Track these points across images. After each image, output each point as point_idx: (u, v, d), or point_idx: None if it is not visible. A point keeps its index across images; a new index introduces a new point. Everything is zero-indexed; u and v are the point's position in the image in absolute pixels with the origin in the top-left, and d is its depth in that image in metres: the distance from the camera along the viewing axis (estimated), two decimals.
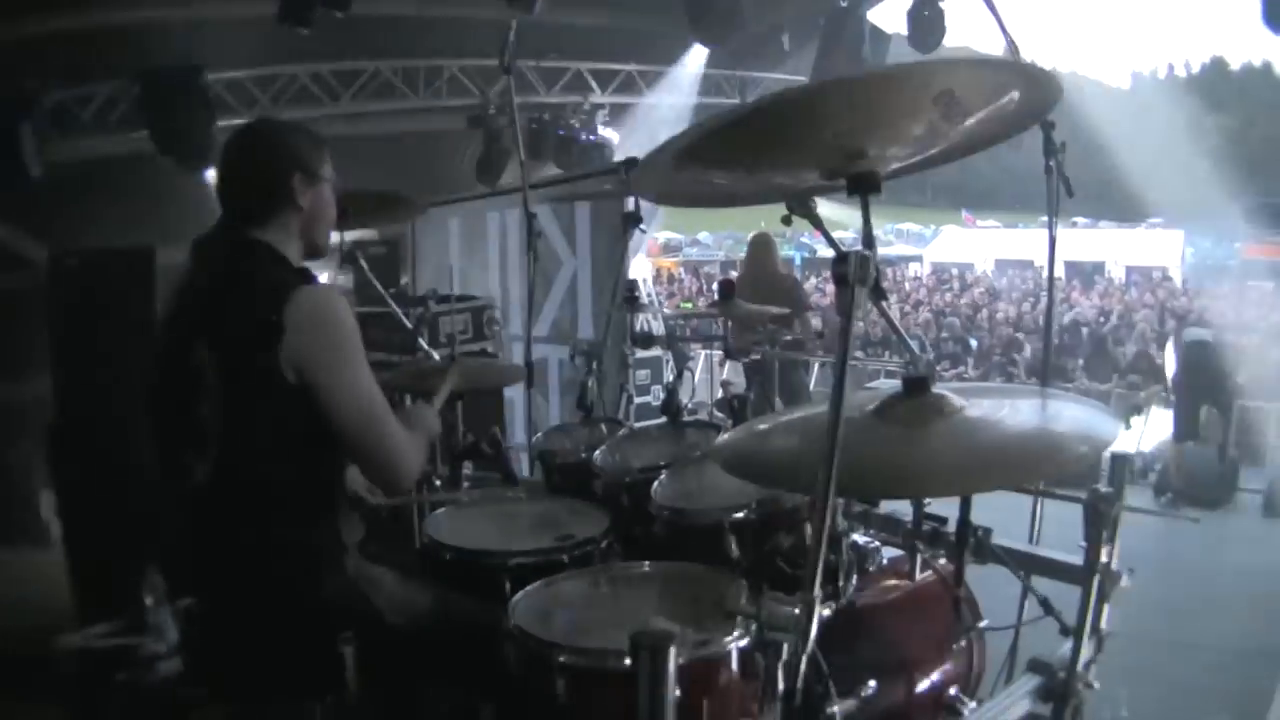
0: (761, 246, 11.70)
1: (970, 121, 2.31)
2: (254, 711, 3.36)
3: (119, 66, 11.56)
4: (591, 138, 14.64)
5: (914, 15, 12.82)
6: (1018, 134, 2.57)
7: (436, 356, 5.74)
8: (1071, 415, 2.67)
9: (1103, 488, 2.94)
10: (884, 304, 2.48)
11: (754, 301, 7.58)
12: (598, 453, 4.46)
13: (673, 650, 2.01)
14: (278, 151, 3.55)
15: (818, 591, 2.08)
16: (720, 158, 2.35)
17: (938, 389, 2.61)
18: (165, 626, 5.15)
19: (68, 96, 11.50)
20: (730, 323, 5.93)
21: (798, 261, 39.92)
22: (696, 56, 14.82)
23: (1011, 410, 2.64)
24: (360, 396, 3.34)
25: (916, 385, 2.59)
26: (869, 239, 2.21)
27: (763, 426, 3.19)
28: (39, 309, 7.48)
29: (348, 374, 3.31)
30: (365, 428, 3.36)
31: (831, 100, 2.13)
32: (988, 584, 3.69)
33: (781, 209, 2.65)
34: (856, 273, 2.13)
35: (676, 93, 15.08)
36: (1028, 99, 2.31)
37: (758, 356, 5.98)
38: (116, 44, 11.06)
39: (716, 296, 5.63)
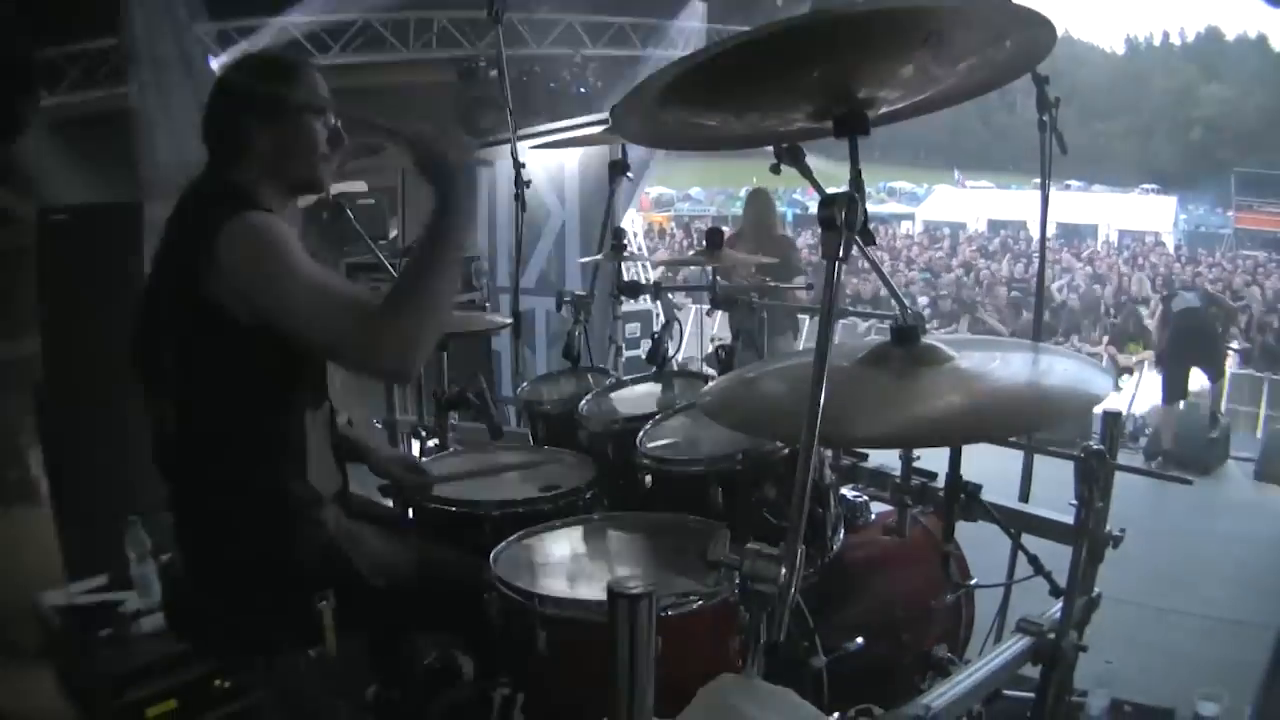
0: (761, 201, 11.48)
1: (961, 65, 2.26)
2: (235, 667, 3.33)
3: (107, 23, 11.52)
4: (582, 90, 14.56)
5: None
6: (1010, 81, 2.51)
7: None
8: (1063, 369, 2.63)
9: (1095, 444, 2.91)
10: (872, 250, 2.44)
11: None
12: (583, 403, 4.43)
13: (651, 602, 1.97)
14: (230, 95, 3.49)
15: (800, 543, 2.05)
16: (706, 97, 2.30)
17: (928, 339, 2.57)
18: (149, 582, 5.14)
19: (57, 54, 11.47)
20: (716, 272, 5.90)
21: (789, 218, 39.91)
22: (694, 11, 14.62)
23: (1002, 363, 2.60)
24: (302, 295, 3.05)
25: (905, 335, 2.54)
26: (857, 181, 2.16)
27: (749, 375, 3.15)
28: (28, 265, 7.44)
29: (284, 282, 3.06)
30: (323, 322, 3.05)
31: (817, 36, 2.08)
32: (978, 542, 3.67)
33: (772, 162, 2.61)
34: (843, 215, 2.09)
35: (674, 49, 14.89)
36: (1020, 44, 2.26)
37: (749, 302, 5.92)
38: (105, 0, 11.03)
39: (704, 245, 5.58)
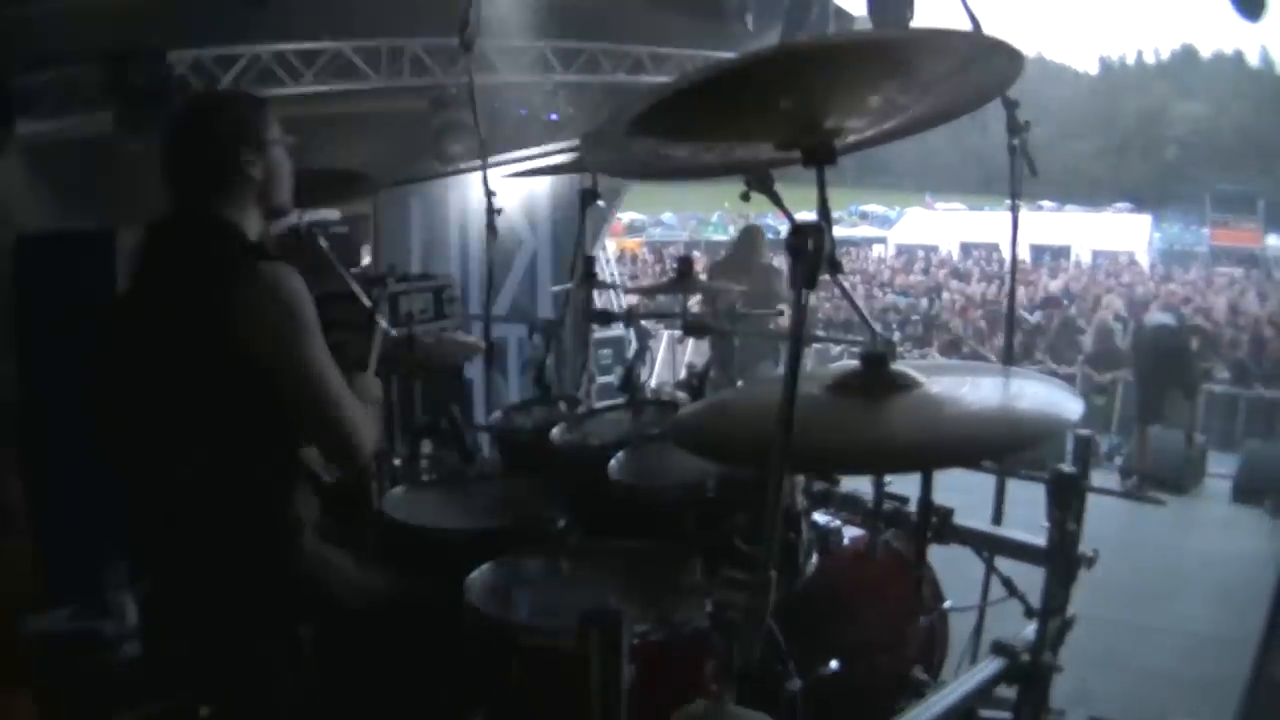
0: (754, 235, 11.70)
1: (928, 94, 2.28)
2: (215, 694, 3.33)
3: (81, 49, 11.46)
4: (554, 117, 14.51)
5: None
6: (979, 108, 2.53)
7: (394, 334, 5.72)
8: (1034, 393, 2.64)
9: (1067, 467, 2.92)
10: (840, 277, 2.44)
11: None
12: (555, 431, 4.43)
13: (624, 629, 1.98)
14: (221, 128, 3.51)
15: (772, 569, 2.06)
16: (675, 128, 2.31)
17: (898, 365, 2.58)
18: (126, 609, 5.13)
19: (31, 81, 11.40)
20: (688, 299, 5.91)
21: None
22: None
23: (973, 387, 2.61)
24: (314, 375, 3.30)
25: (875, 361, 2.55)
26: (824, 211, 2.17)
27: (721, 402, 3.16)
28: (3, 292, 7.42)
29: (300, 352, 3.26)
30: (320, 406, 3.33)
31: (784, 69, 2.09)
32: (952, 565, 3.68)
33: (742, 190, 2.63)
34: (811, 244, 2.10)
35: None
36: (988, 72, 2.28)
37: (722, 328, 5.94)
38: (79, 26, 10.97)
39: (675, 273, 5.59)
